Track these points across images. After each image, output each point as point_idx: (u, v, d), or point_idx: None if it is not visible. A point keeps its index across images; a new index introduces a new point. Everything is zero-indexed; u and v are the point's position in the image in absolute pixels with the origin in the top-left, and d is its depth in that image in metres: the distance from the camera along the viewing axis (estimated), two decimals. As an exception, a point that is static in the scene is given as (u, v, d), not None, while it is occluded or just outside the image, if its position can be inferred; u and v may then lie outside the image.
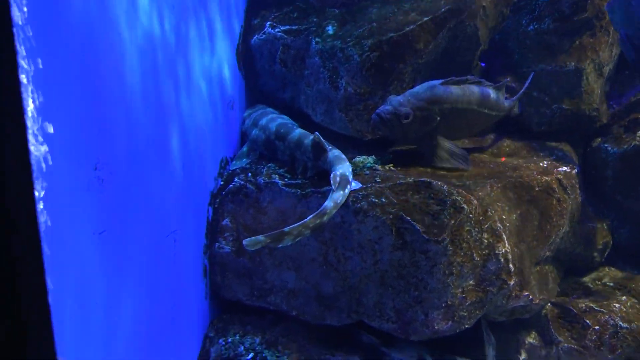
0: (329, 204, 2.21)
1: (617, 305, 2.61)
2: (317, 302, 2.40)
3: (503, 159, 3.06)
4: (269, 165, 2.79)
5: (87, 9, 1.62)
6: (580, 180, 3.03)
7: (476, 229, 2.27)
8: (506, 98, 3.08)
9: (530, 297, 2.40)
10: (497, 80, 3.21)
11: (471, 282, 2.24)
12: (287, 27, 3.26)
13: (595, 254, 3.06)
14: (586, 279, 3.00)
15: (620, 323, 2.48)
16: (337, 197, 2.24)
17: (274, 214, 2.54)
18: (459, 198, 2.29)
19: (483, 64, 3.55)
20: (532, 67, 3.31)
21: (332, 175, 2.31)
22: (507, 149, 3.19)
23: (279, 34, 3.24)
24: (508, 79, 3.09)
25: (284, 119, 2.97)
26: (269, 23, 3.32)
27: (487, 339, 2.39)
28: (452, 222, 2.24)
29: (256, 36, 3.33)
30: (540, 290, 2.51)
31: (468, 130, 2.89)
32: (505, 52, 3.47)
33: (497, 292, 2.28)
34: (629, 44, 2.63)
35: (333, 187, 2.26)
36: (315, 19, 3.23)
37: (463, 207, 2.27)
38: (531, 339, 2.54)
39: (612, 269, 3.09)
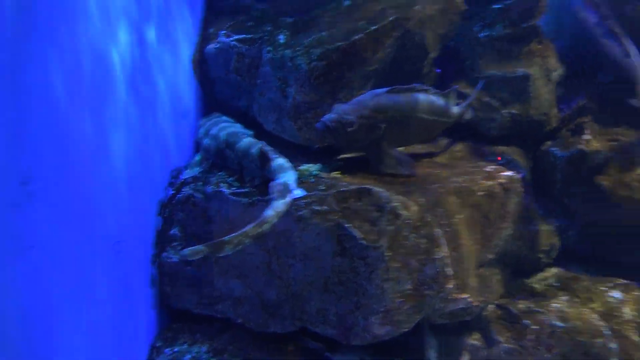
0: (269, 212, 2.26)
1: (557, 305, 2.68)
2: (261, 309, 2.44)
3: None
4: (219, 174, 2.82)
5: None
6: (528, 184, 3.11)
7: (414, 235, 2.33)
8: (458, 104, 3.14)
9: (470, 299, 2.46)
10: (451, 86, 3.29)
11: (409, 286, 2.30)
12: (242, 35, 3.30)
13: (542, 256, 3.13)
14: (532, 280, 3.07)
15: (558, 322, 2.56)
16: (277, 205, 2.28)
17: (222, 223, 2.57)
18: (397, 204, 2.35)
19: (438, 70, 3.62)
20: (483, 73, 3.39)
21: (272, 184, 2.36)
22: (459, 154, 3.26)
23: (233, 42, 3.28)
24: (456, 86, 3.16)
25: (236, 128, 3.01)
26: (224, 32, 3.36)
27: (427, 342, 2.45)
28: (391, 228, 2.30)
29: (212, 45, 3.37)
30: (481, 292, 2.58)
31: (416, 137, 2.95)
32: (458, 59, 3.55)
33: (435, 296, 2.34)
34: (563, 55, 2.72)
35: (273, 196, 2.31)
36: (269, 28, 3.27)
37: (401, 214, 2.33)
38: (473, 340, 2.60)
39: (559, 269, 3.16)
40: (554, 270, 3.17)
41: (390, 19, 2.97)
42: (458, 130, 3.33)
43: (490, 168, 2.98)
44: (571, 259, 3.24)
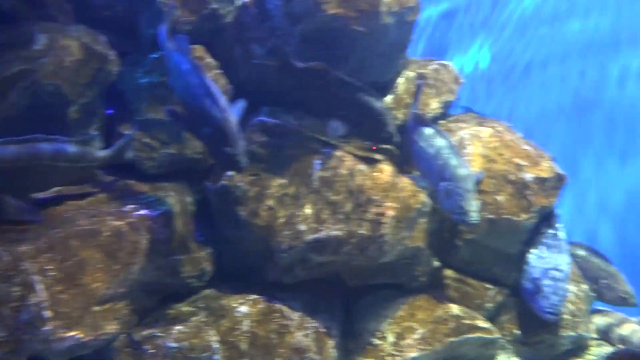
0: None
1: (178, 327, 3.03)
2: None
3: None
4: None
5: None
6: (182, 216, 3.46)
7: (5, 284, 2.44)
8: (111, 147, 3.36)
9: (81, 336, 2.66)
10: (119, 129, 3.52)
11: (2, 334, 2.40)
12: None
13: (193, 280, 3.50)
14: (183, 303, 3.41)
15: (173, 344, 2.91)
16: None
17: None
18: (-14, 257, 2.44)
19: (110, 111, 3.84)
20: (144, 116, 3.68)
21: None
22: (111, 194, 3.45)
23: None
24: (95, 133, 3.36)
25: None
26: None
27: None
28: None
29: None
30: (99, 327, 2.79)
31: (46, 183, 3.08)
32: (125, 102, 3.79)
33: (33, 339, 2.48)
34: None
35: None
36: None
37: (-13, 266, 2.42)
38: (98, 371, 2.81)
39: (211, 290, 3.56)
40: (206, 292, 3.55)
41: (14, 70, 3.06)
42: (124, 169, 3.56)
43: (127, 208, 3.24)
44: (224, 279, 3.67)
